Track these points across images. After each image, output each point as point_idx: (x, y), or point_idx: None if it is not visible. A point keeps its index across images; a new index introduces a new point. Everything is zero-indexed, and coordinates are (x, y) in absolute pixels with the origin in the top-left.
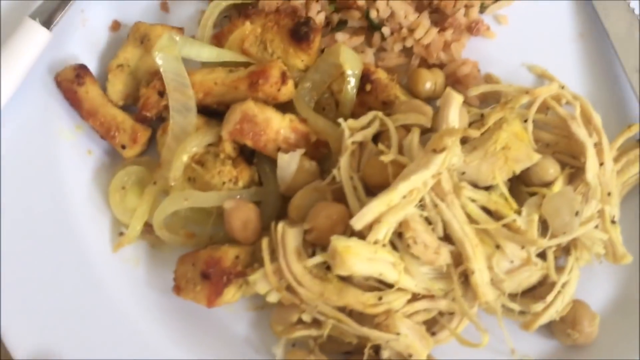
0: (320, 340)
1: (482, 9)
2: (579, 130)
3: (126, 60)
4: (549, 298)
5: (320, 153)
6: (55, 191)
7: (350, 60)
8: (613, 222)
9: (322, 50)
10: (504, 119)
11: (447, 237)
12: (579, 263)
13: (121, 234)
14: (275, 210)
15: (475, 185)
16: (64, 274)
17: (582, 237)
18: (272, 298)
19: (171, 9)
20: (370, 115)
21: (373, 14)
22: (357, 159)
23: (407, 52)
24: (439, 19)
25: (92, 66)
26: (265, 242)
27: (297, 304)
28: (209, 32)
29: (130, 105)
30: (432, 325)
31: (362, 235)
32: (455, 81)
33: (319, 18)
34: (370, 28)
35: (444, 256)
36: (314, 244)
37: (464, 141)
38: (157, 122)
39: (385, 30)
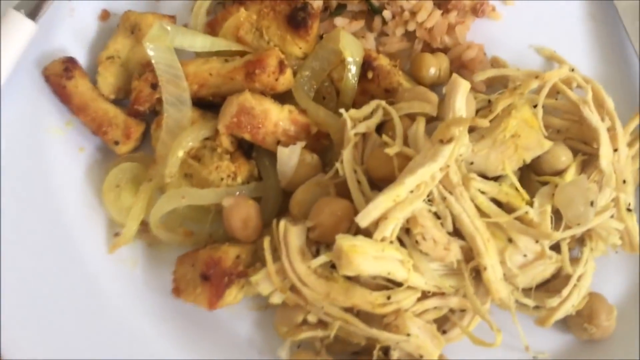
0: (327, 341)
1: None
2: (591, 115)
3: (116, 52)
4: (565, 292)
5: (322, 145)
6: (46, 191)
7: (351, 46)
8: (629, 210)
9: (321, 37)
10: (513, 105)
11: (456, 232)
12: (594, 254)
13: (117, 234)
14: (277, 206)
15: (484, 176)
16: (59, 278)
17: (597, 227)
18: (276, 299)
19: None
20: (372, 104)
21: None
22: (360, 151)
23: (410, 36)
24: (442, 1)
25: (81, 58)
26: (267, 242)
27: (302, 305)
28: (202, 20)
29: (123, 98)
30: (442, 323)
31: (368, 231)
32: (461, 66)
33: (317, 3)
34: (371, 12)
35: (455, 252)
36: (318, 242)
37: (471, 129)
38: (150, 116)
39: (386, 13)
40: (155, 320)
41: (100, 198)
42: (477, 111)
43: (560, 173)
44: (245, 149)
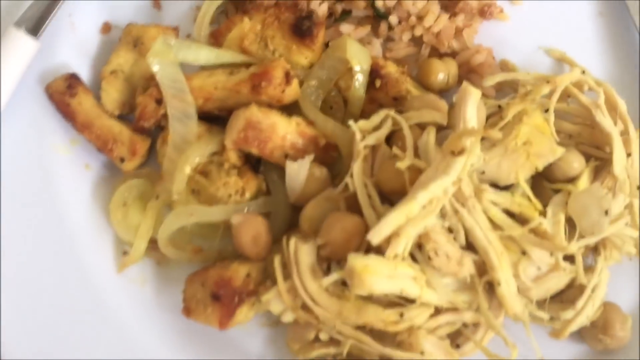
0: (339, 358)
1: None
2: (604, 120)
3: (119, 66)
4: (580, 304)
5: (330, 157)
6: (53, 211)
7: (358, 55)
8: None
9: (327, 44)
10: (524, 111)
11: (469, 245)
12: (607, 262)
13: (125, 252)
14: (286, 221)
15: (495, 185)
16: (67, 299)
17: (612, 235)
18: (287, 318)
19: (163, 6)
20: (381, 114)
21: (379, 3)
22: (370, 163)
23: (417, 41)
24: (449, 4)
25: (84, 73)
26: (277, 260)
27: (313, 323)
28: (205, 31)
29: (127, 113)
30: (456, 338)
31: (379, 247)
32: (469, 70)
33: (322, 9)
34: (377, 17)
35: (468, 267)
36: (329, 258)
37: (482, 137)
38: (156, 130)
39: (393, 19)
40: (166, 338)
41: (107, 216)
42: (488, 117)
43: (572, 179)
44: (253, 162)
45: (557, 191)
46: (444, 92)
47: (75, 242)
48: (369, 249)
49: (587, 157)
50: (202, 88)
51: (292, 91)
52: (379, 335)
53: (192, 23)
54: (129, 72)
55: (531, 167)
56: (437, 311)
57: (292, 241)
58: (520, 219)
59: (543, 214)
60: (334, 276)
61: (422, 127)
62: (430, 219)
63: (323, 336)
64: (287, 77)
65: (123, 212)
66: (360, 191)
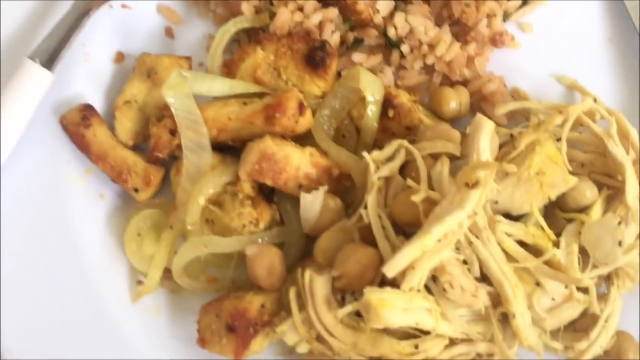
0: None
1: (505, 17)
2: (617, 150)
3: (133, 96)
4: (593, 335)
5: (343, 187)
6: (68, 241)
7: (371, 85)
8: None
9: (339, 73)
10: (537, 141)
11: (483, 276)
12: (620, 291)
13: (139, 282)
14: (300, 251)
15: (508, 214)
16: (82, 329)
17: (625, 265)
18: (302, 349)
19: (176, 34)
20: (394, 144)
21: (391, 31)
22: (384, 194)
23: (428, 69)
24: (460, 32)
25: (98, 103)
26: (292, 292)
27: (328, 354)
28: (218, 61)
29: (141, 143)
30: None
31: (394, 279)
32: (481, 98)
33: (334, 39)
34: (388, 46)
35: (482, 298)
36: (344, 290)
37: None
38: (170, 160)
39: (404, 47)
40: None
41: (121, 245)
42: (500, 146)
43: (585, 209)
44: (266, 192)
45: (569, 220)
46: (456, 120)
47: (90, 271)
48: (383, 281)
49: (600, 186)
50: (216, 119)
51: (305, 121)
52: None
53: (204, 51)
54: (142, 102)
55: (544, 197)
56: (452, 342)
57: (307, 273)
58: (533, 249)
59: (556, 244)
60: (349, 308)
61: (434, 156)
62: (445, 252)
63: None
64: (301, 108)
65: (137, 242)
66: (374, 223)
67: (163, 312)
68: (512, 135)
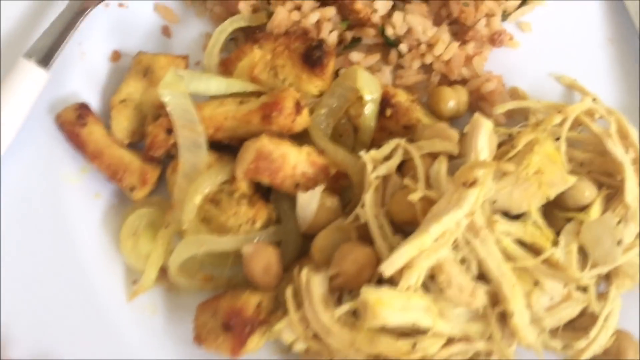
0: None
1: (504, 16)
2: (616, 149)
3: (129, 95)
4: (593, 333)
5: (340, 186)
6: (63, 240)
7: (369, 84)
8: None
9: (337, 72)
10: (535, 140)
11: (481, 274)
12: (619, 290)
13: (135, 281)
14: (296, 249)
15: (507, 213)
16: (78, 328)
17: (624, 264)
18: (299, 347)
19: (173, 33)
20: (392, 144)
21: (389, 31)
22: (381, 193)
23: (427, 68)
24: (459, 31)
25: (94, 102)
26: (289, 291)
27: (325, 353)
28: (215, 60)
29: (137, 142)
30: None
31: (391, 277)
32: (480, 98)
33: (332, 38)
34: (386, 45)
35: (480, 298)
36: (341, 288)
37: None
38: (166, 158)
39: (403, 47)
40: None
41: (117, 244)
42: (499, 145)
43: (584, 208)
44: (263, 191)
45: (568, 220)
46: (454, 119)
47: (86, 270)
48: (381, 280)
49: (599, 186)
50: (212, 118)
51: (302, 120)
52: None
53: (201, 50)
54: (138, 101)
55: (543, 196)
56: (450, 341)
57: (304, 272)
58: (532, 249)
59: (555, 243)
60: (346, 307)
61: (432, 155)
62: (443, 251)
63: None
64: (298, 107)
65: (133, 241)
66: (372, 222)
67: (159, 311)
68: (510, 135)
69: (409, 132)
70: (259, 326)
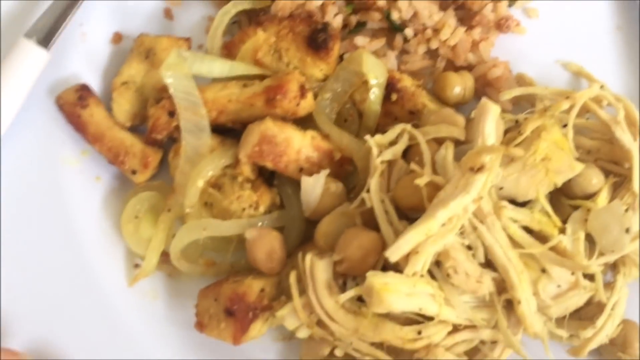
0: None
1: (511, 2)
2: (624, 136)
3: (131, 77)
4: (599, 322)
5: (345, 171)
6: (64, 224)
7: (374, 68)
8: None
9: (341, 56)
10: (543, 126)
11: (488, 262)
12: (626, 279)
13: (136, 265)
14: (300, 235)
15: (514, 200)
16: (78, 312)
17: (631, 252)
18: (302, 334)
19: (175, 15)
20: (397, 128)
21: (395, 15)
22: (387, 178)
23: (432, 53)
24: (465, 16)
25: (95, 84)
26: (293, 277)
27: (329, 340)
28: (218, 43)
29: (139, 124)
30: (473, 354)
31: (396, 263)
32: (486, 84)
33: (337, 21)
34: (392, 29)
35: (487, 284)
36: (345, 274)
37: None
38: (168, 142)
39: (408, 31)
40: (178, 352)
41: (118, 228)
42: (505, 132)
43: (592, 196)
44: (267, 176)
45: (575, 207)
46: (460, 105)
47: (86, 255)
48: (386, 265)
49: (606, 173)
50: (216, 101)
51: (307, 104)
52: (396, 353)
53: (204, 33)
54: (140, 83)
55: (550, 183)
56: (455, 328)
57: (308, 257)
58: (539, 236)
59: (562, 230)
60: (351, 293)
61: (438, 141)
62: (450, 237)
63: (338, 352)
64: (302, 91)
65: (134, 225)
66: (377, 207)
67: (160, 296)
68: (517, 121)
69: (415, 117)
70: (262, 312)
